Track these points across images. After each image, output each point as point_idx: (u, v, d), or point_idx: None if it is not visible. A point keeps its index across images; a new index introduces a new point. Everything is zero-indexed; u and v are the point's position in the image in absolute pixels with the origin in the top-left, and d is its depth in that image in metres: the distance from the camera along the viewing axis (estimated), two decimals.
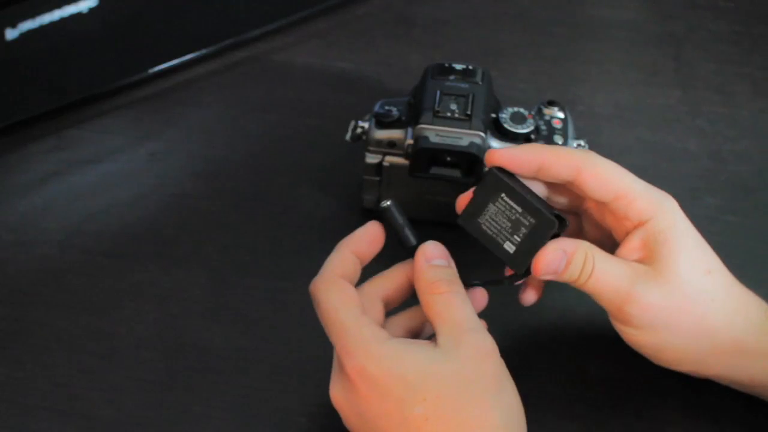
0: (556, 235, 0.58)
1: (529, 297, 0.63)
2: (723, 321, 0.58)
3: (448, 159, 0.67)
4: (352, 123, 0.70)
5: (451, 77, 0.68)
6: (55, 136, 0.78)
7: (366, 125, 0.69)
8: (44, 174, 0.76)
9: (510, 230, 0.58)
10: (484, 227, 0.59)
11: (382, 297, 0.60)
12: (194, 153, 0.78)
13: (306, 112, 0.81)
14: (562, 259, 0.58)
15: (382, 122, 0.69)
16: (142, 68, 0.81)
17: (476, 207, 0.59)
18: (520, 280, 0.60)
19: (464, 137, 0.66)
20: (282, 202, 0.75)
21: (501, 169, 0.59)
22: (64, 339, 0.66)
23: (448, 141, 0.66)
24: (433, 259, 0.59)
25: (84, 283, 0.69)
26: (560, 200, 0.62)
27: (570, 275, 0.58)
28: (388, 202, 0.60)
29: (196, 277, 0.70)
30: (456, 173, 0.68)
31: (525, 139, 0.68)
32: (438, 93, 0.67)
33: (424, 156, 0.67)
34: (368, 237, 0.60)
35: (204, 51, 0.83)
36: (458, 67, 0.69)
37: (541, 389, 0.65)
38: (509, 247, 0.58)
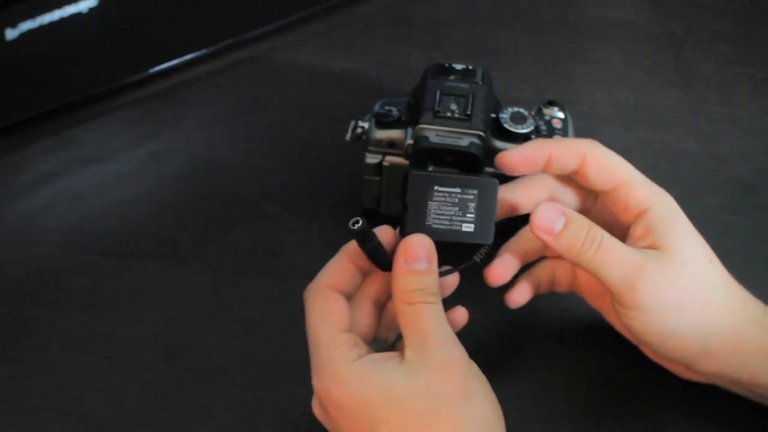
0: None
1: (516, 297, 0.63)
2: (725, 311, 0.59)
3: (448, 159, 0.67)
4: (352, 123, 0.70)
5: (451, 77, 0.68)
6: (55, 136, 0.78)
7: (366, 125, 0.69)
8: (44, 174, 0.76)
9: (460, 213, 0.57)
10: (436, 225, 0.57)
11: (371, 297, 0.59)
12: (194, 153, 0.78)
13: (306, 112, 0.81)
14: (558, 215, 0.57)
15: (382, 122, 0.69)
16: (142, 68, 0.81)
17: (416, 215, 0.57)
18: (486, 252, 0.58)
19: (464, 137, 0.66)
20: (282, 202, 0.75)
21: (416, 168, 0.59)
22: (64, 339, 0.66)
23: (448, 141, 0.66)
24: (413, 261, 0.56)
25: (84, 283, 0.69)
26: (564, 198, 0.62)
27: (570, 239, 0.57)
28: (359, 222, 0.56)
29: (196, 277, 0.70)
30: (456, 173, 0.68)
31: (525, 139, 0.68)
32: (438, 93, 0.67)
33: (424, 156, 0.67)
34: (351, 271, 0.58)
35: (204, 51, 0.84)
36: (458, 67, 0.69)
37: (540, 389, 0.65)
38: (468, 228, 0.57)
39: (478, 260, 0.58)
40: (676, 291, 0.57)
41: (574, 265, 0.59)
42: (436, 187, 0.57)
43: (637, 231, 0.59)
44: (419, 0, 0.91)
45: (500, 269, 0.62)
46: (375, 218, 0.72)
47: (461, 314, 0.60)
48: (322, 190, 0.75)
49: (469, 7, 0.90)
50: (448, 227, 0.57)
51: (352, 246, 0.57)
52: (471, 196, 0.57)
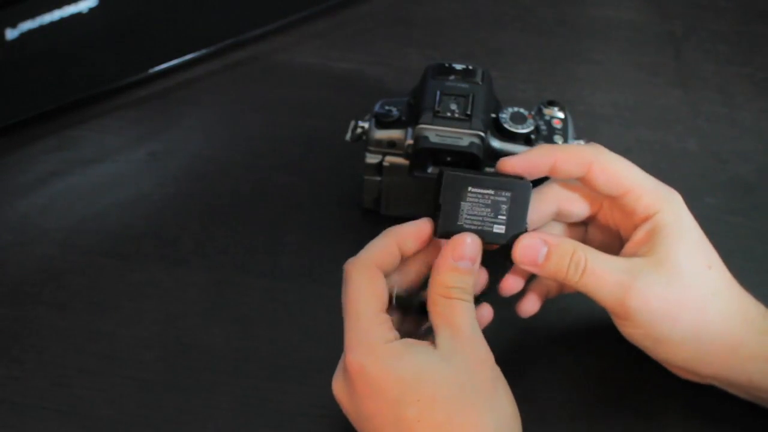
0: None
1: (527, 307, 0.64)
2: (722, 317, 0.59)
3: (448, 159, 0.67)
4: (352, 123, 0.70)
5: (451, 77, 0.68)
6: (56, 136, 0.78)
7: (366, 125, 0.69)
8: (44, 174, 0.76)
9: (492, 214, 0.58)
10: (467, 226, 0.58)
11: (404, 285, 0.60)
12: (194, 153, 0.78)
13: (306, 112, 0.81)
14: (540, 247, 0.58)
15: (382, 122, 0.69)
16: (143, 68, 0.81)
17: (449, 215, 0.58)
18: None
19: (464, 137, 0.66)
20: (282, 202, 0.75)
21: (451, 167, 0.60)
22: (64, 339, 0.66)
23: (448, 141, 0.66)
24: (460, 259, 0.57)
25: (84, 283, 0.69)
26: (572, 210, 0.63)
27: (554, 268, 0.58)
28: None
29: (196, 277, 0.70)
30: None
31: (525, 139, 0.68)
32: (438, 93, 0.67)
33: (424, 156, 0.67)
34: (416, 233, 0.59)
35: (204, 51, 0.83)
36: (458, 67, 0.69)
37: (541, 389, 0.65)
38: (499, 229, 0.58)
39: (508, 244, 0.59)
40: (668, 300, 0.58)
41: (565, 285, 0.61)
42: (470, 188, 0.58)
43: (638, 235, 0.60)
44: (419, 0, 0.91)
45: (512, 281, 0.63)
46: (375, 219, 0.73)
47: (487, 311, 0.61)
48: (322, 190, 0.75)
49: (469, 7, 0.90)
50: (480, 228, 0.58)
51: (401, 230, 0.59)
52: (504, 199, 0.58)
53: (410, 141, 0.68)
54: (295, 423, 0.63)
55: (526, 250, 0.58)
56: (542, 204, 0.61)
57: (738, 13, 0.91)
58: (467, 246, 0.58)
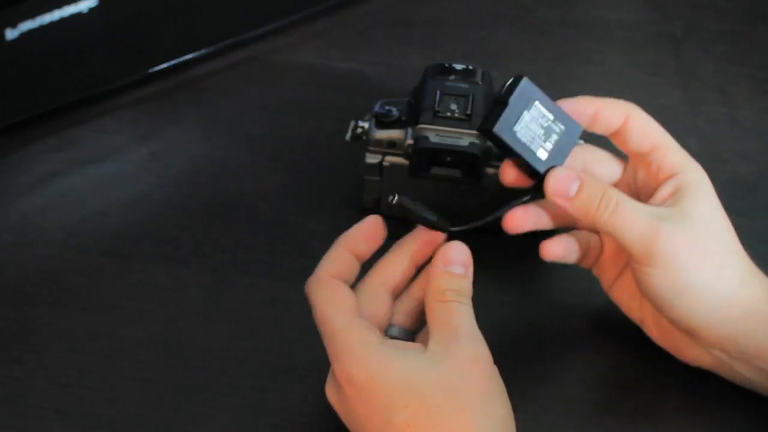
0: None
1: (553, 246, 0.63)
2: (740, 277, 0.59)
3: (449, 159, 0.67)
4: (352, 123, 0.70)
5: (451, 77, 0.68)
6: (55, 136, 0.78)
7: (366, 125, 0.69)
8: (44, 174, 0.76)
9: (543, 137, 0.60)
10: (519, 135, 0.59)
11: (389, 287, 0.60)
12: (194, 153, 0.78)
13: (306, 112, 0.81)
14: (573, 179, 0.59)
15: (382, 122, 0.69)
16: (143, 68, 0.81)
17: (510, 116, 0.59)
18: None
19: (464, 137, 0.66)
20: (282, 202, 0.75)
21: (530, 79, 0.60)
22: (64, 339, 0.66)
23: (448, 141, 0.66)
24: (451, 264, 0.58)
25: (84, 283, 0.69)
26: (599, 171, 0.63)
27: (585, 204, 0.59)
28: (395, 197, 0.59)
29: (196, 277, 0.70)
30: (456, 173, 0.68)
31: None
32: (438, 93, 0.67)
33: (424, 156, 0.67)
34: (365, 234, 0.60)
35: (204, 51, 0.83)
36: (458, 67, 0.69)
37: (540, 389, 0.65)
38: (542, 154, 0.59)
39: (533, 197, 0.61)
40: (694, 249, 0.58)
41: (592, 229, 0.61)
42: (537, 103, 0.60)
43: (665, 191, 0.60)
44: (419, 0, 0.91)
45: (522, 213, 0.62)
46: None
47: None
48: (322, 190, 0.75)
49: (469, 7, 0.90)
50: (527, 144, 0.59)
51: (349, 236, 0.59)
52: (558, 129, 0.60)
53: (410, 141, 0.68)
54: (295, 423, 0.63)
55: (559, 181, 0.59)
56: (581, 107, 0.62)
57: (738, 13, 0.91)
58: (455, 250, 0.58)
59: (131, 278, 0.70)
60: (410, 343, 0.57)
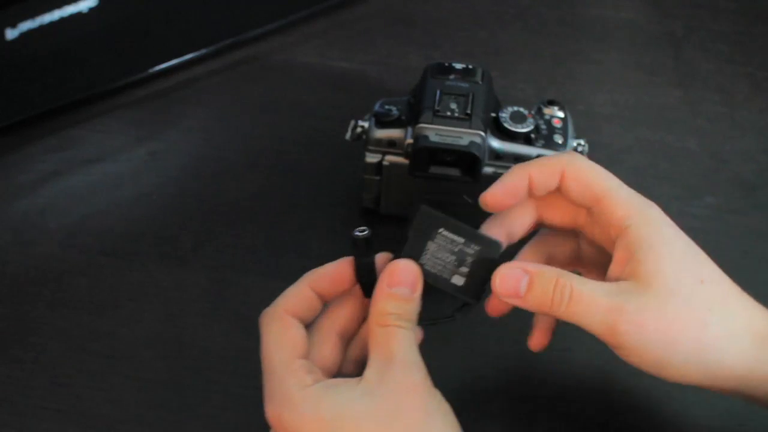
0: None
1: (537, 341, 0.61)
2: (726, 334, 0.54)
3: (448, 158, 0.67)
4: (352, 123, 0.70)
5: (451, 76, 0.68)
6: (55, 136, 0.78)
7: (366, 125, 0.69)
8: (44, 174, 0.76)
9: (455, 263, 0.56)
10: (427, 267, 0.56)
11: (338, 331, 0.57)
12: (194, 153, 0.78)
13: (306, 112, 0.81)
14: (521, 277, 0.54)
15: (382, 121, 0.69)
16: (142, 68, 0.81)
17: (413, 250, 0.55)
18: (470, 310, 0.57)
19: (464, 136, 0.66)
20: (282, 202, 0.75)
21: (431, 205, 0.56)
22: (64, 339, 0.66)
23: (448, 140, 0.66)
24: (396, 285, 0.55)
25: (84, 283, 0.69)
26: (550, 217, 0.59)
27: (539, 299, 0.54)
28: (365, 231, 0.56)
29: (196, 277, 0.70)
30: (456, 172, 0.68)
31: (525, 138, 0.68)
32: (438, 92, 0.67)
33: (424, 155, 0.67)
34: (333, 276, 0.57)
35: (204, 51, 0.84)
36: (458, 66, 0.69)
37: (538, 392, 0.65)
38: (458, 280, 0.56)
39: (458, 318, 0.57)
40: (663, 325, 0.53)
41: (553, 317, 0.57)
42: (441, 230, 0.56)
43: (618, 253, 0.55)
44: (419, 0, 0.91)
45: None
46: (375, 218, 0.73)
47: (417, 333, 0.57)
48: (322, 190, 0.75)
49: (469, 7, 0.90)
50: (439, 273, 0.56)
51: (315, 274, 0.57)
52: (472, 251, 0.56)
53: (410, 140, 0.68)
54: None
55: (506, 280, 0.54)
56: (521, 209, 0.58)
57: (738, 13, 0.91)
58: (404, 271, 0.55)
59: (131, 278, 0.70)
60: (344, 379, 0.54)
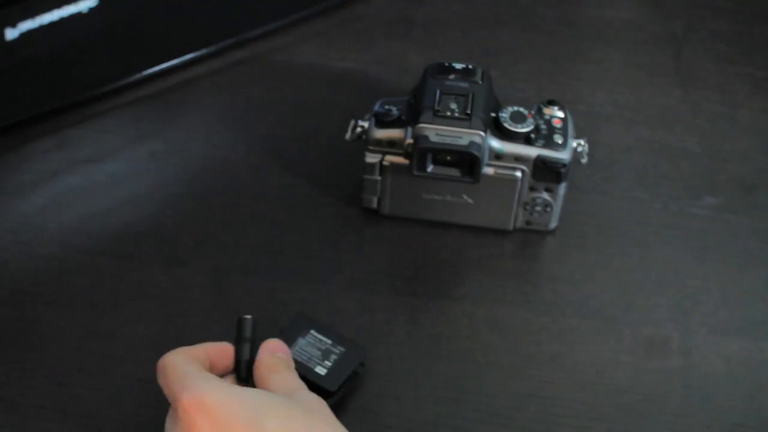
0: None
1: None
2: None
3: (448, 158, 0.67)
4: (352, 123, 0.70)
5: (451, 76, 0.68)
6: (55, 136, 0.78)
7: (366, 125, 0.69)
8: (44, 174, 0.76)
9: (321, 357, 0.63)
10: (295, 356, 0.62)
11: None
12: (194, 153, 0.78)
13: (306, 112, 0.81)
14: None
15: (382, 121, 0.69)
16: (142, 68, 0.81)
17: (285, 340, 0.61)
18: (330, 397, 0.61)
19: (464, 136, 0.66)
20: (282, 202, 0.75)
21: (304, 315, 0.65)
22: (64, 339, 0.66)
23: (448, 140, 0.66)
24: (276, 351, 0.59)
25: (84, 283, 0.69)
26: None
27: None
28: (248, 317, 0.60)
29: (196, 277, 0.70)
30: (456, 172, 0.68)
31: (525, 138, 0.68)
32: (438, 92, 0.67)
33: (424, 155, 0.67)
34: (223, 352, 0.59)
35: (204, 51, 0.84)
36: (458, 66, 0.69)
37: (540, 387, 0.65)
38: (321, 370, 0.62)
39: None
40: None
41: None
42: (312, 331, 0.64)
43: None
44: (419, 0, 0.91)
45: None
46: (375, 218, 0.73)
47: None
48: (322, 190, 0.75)
49: (469, 7, 0.90)
50: (305, 362, 0.62)
51: (214, 344, 0.59)
52: (338, 351, 0.63)
53: (410, 140, 0.68)
54: None
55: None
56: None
57: (738, 13, 0.91)
58: (278, 344, 0.59)
59: (131, 278, 0.70)
60: None
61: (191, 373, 0.55)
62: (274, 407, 0.53)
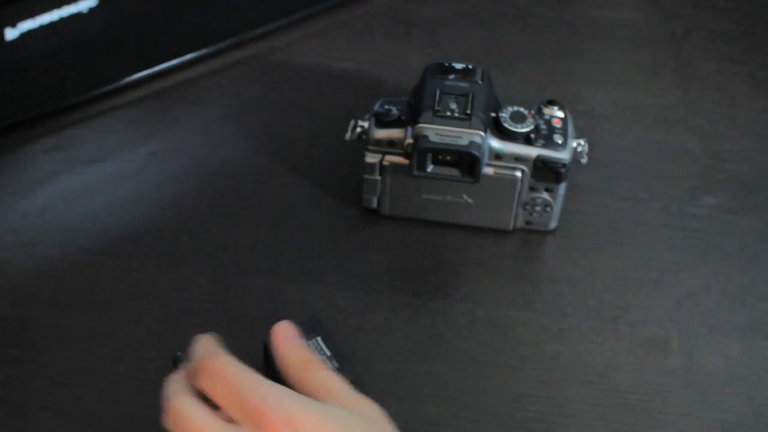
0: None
1: None
2: None
3: (448, 158, 0.67)
4: (352, 123, 0.70)
5: (451, 76, 0.68)
6: (55, 136, 0.78)
7: (366, 125, 0.69)
8: (44, 174, 0.76)
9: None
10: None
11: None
12: (194, 153, 0.78)
13: (306, 112, 0.81)
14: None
15: (382, 121, 0.69)
16: (142, 68, 0.81)
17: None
18: None
19: (464, 136, 0.66)
20: (282, 202, 0.75)
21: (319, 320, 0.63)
22: (64, 339, 0.66)
23: (448, 140, 0.66)
24: (293, 339, 0.56)
25: (84, 283, 0.69)
26: None
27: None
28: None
29: (196, 277, 0.70)
30: (455, 172, 0.68)
31: (525, 138, 0.68)
32: (438, 92, 0.67)
33: (424, 155, 0.67)
34: None
35: (204, 51, 0.84)
36: (458, 66, 0.69)
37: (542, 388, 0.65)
38: None
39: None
40: None
41: None
42: (318, 338, 0.62)
43: None
44: (419, 0, 0.91)
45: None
46: (375, 218, 0.73)
47: None
48: (322, 190, 0.75)
49: (469, 7, 0.90)
50: None
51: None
52: (331, 366, 0.59)
53: (410, 140, 0.68)
54: None
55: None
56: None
57: (738, 13, 0.91)
58: (291, 328, 0.56)
59: (131, 278, 0.70)
60: None
61: (264, 383, 0.51)
62: (357, 425, 0.51)
